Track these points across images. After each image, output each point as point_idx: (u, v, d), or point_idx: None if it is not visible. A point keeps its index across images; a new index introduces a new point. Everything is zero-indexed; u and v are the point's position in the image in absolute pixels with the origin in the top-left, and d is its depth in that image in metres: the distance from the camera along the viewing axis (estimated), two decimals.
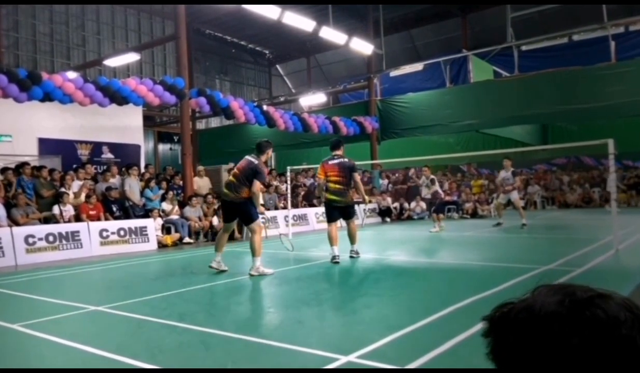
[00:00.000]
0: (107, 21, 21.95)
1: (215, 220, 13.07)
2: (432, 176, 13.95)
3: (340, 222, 8.84)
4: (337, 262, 8.14)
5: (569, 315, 0.70)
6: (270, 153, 7.84)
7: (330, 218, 8.58)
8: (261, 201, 8.80)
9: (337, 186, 8.40)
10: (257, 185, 7.41)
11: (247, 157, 7.67)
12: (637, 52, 16.57)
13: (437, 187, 13.79)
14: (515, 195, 13.62)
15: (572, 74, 16.19)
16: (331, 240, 8.35)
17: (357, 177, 8.64)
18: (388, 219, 17.98)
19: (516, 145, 19.33)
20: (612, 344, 0.68)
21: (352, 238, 8.64)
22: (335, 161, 8.52)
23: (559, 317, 0.71)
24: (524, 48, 19.30)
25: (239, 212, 7.57)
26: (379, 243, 11.81)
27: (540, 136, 22.73)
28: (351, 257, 8.54)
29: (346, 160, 8.55)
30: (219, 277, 7.34)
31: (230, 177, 7.58)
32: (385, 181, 20.73)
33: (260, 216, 7.72)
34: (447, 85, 19.43)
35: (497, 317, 0.78)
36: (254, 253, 7.28)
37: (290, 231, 13.27)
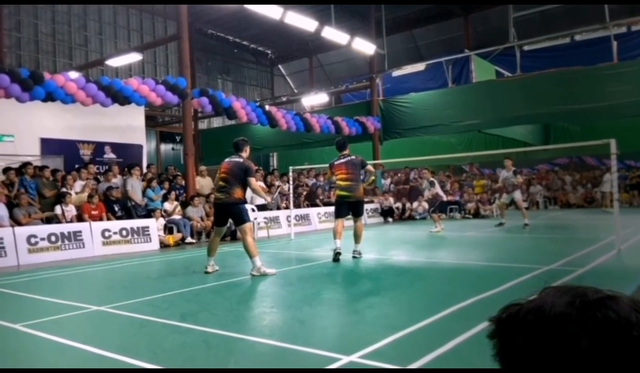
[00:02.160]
0: (109, 21, 21.97)
1: None
2: (431, 179, 13.94)
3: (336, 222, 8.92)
4: (339, 254, 8.25)
5: (580, 316, 0.69)
6: (249, 150, 7.86)
7: (339, 214, 8.67)
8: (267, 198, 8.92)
9: (347, 182, 8.54)
10: (254, 181, 7.60)
11: (231, 158, 7.63)
12: (639, 52, 16.54)
13: (437, 189, 13.76)
14: (518, 195, 13.58)
15: (574, 74, 16.16)
16: (335, 234, 8.43)
17: (370, 167, 8.89)
18: (390, 219, 17.97)
19: (518, 145, 19.31)
20: (624, 346, 0.66)
21: (357, 238, 8.68)
22: (342, 160, 8.68)
23: (569, 318, 0.69)
24: (526, 48, 19.29)
25: (230, 214, 7.55)
26: (381, 243, 11.80)
27: (543, 136, 22.71)
28: (354, 257, 8.55)
29: (354, 157, 8.74)
30: (221, 277, 7.35)
31: (220, 182, 7.53)
32: (388, 181, 20.73)
33: (260, 214, 7.79)
34: (449, 85, 19.42)
35: (504, 317, 0.76)
36: (250, 254, 7.28)
37: (293, 231, 13.29)
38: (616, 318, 0.68)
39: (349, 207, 8.66)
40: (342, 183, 8.55)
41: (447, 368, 3.33)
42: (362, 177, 8.68)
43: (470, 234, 12.63)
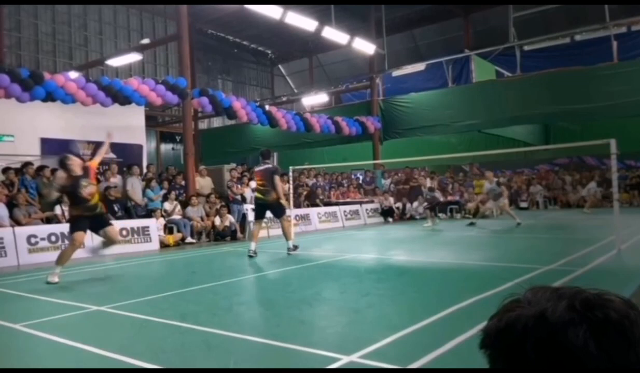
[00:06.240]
0: (109, 21, 21.97)
1: (217, 220, 13.07)
2: (429, 185, 15.89)
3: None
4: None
5: (583, 318, 0.68)
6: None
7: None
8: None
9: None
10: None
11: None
12: (639, 52, 16.54)
13: (435, 193, 15.56)
14: (503, 201, 14.34)
15: (574, 74, 16.16)
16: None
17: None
18: (390, 219, 17.97)
19: (519, 145, 19.31)
20: (629, 344, 0.66)
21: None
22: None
23: (575, 322, 0.68)
24: (526, 48, 19.30)
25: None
26: (380, 243, 11.81)
27: (543, 136, 22.70)
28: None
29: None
30: (221, 277, 7.35)
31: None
32: (388, 181, 20.73)
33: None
34: (449, 85, 19.43)
35: (503, 326, 0.73)
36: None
37: (293, 231, 13.27)
38: (617, 317, 0.68)
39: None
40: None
41: (447, 368, 3.33)
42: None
43: (470, 234, 12.63)
